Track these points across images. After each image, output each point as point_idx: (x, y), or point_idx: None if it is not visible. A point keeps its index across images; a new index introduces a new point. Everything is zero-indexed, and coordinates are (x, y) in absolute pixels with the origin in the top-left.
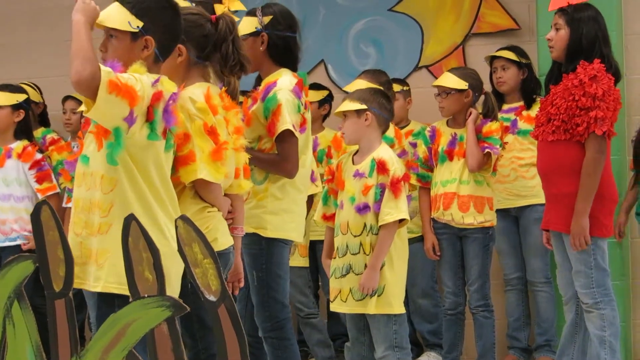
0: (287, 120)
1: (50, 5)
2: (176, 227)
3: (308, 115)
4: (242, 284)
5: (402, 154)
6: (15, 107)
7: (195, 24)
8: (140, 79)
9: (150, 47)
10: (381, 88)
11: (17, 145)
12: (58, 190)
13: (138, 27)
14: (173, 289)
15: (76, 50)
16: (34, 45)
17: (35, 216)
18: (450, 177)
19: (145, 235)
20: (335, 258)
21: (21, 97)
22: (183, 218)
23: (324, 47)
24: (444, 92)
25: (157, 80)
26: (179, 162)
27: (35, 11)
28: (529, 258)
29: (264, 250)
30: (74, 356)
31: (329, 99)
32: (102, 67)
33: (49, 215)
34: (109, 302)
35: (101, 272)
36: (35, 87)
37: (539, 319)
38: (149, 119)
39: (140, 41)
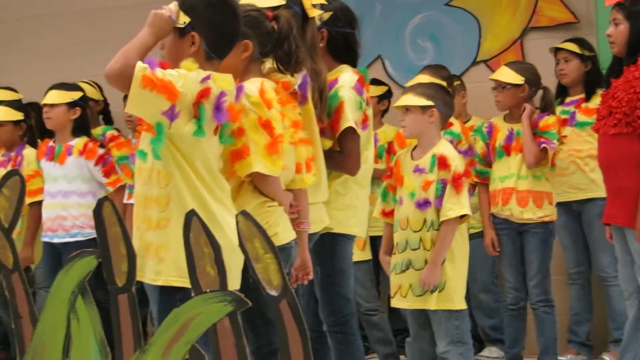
0: (349, 118)
1: (108, 5)
2: (237, 223)
3: (369, 112)
4: (310, 277)
5: (468, 150)
6: (71, 105)
7: (256, 21)
8: (185, 75)
9: (196, 43)
10: (444, 83)
11: (77, 142)
12: (124, 181)
13: (184, 23)
14: (233, 282)
15: (121, 51)
16: (93, 44)
17: (98, 212)
18: (508, 172)
19: (206, 231)
20: (395, 254)
21: (76, 95)
22: (244, 213)
23: (380, 43)
24: (500, 86)
25: (207, 77)
26: (234, 156)
27: (90, 10)
28: (597, 253)
29: (327, 246)
30: (138, 350)
31: (387, 94)
32: (139, 64)
33: (110, 211)
34: (171, 296)
35: (161, 265)
36: (95, 85)
37: (613, 313)
38: (195, 115)
39: (187, 37)
